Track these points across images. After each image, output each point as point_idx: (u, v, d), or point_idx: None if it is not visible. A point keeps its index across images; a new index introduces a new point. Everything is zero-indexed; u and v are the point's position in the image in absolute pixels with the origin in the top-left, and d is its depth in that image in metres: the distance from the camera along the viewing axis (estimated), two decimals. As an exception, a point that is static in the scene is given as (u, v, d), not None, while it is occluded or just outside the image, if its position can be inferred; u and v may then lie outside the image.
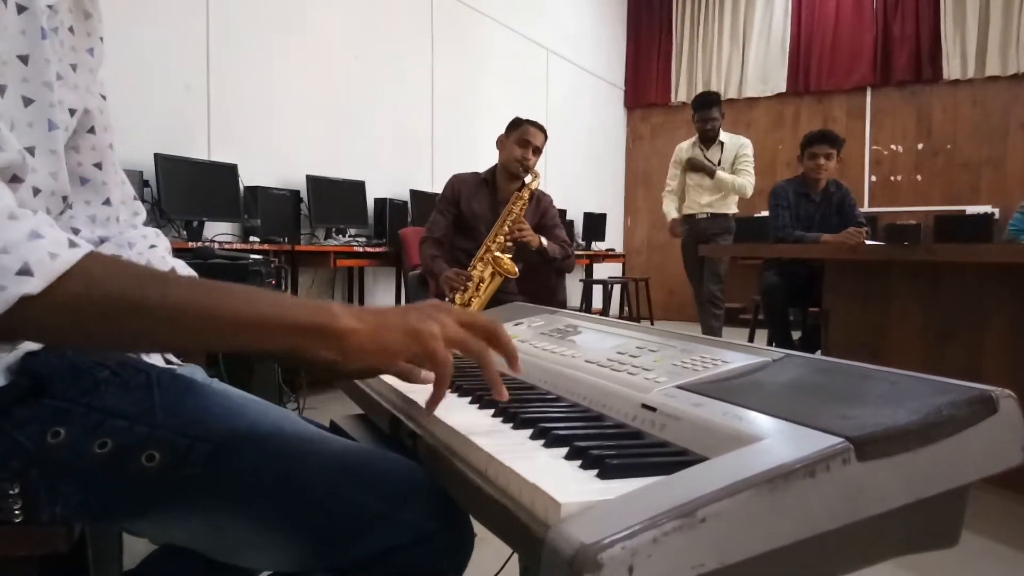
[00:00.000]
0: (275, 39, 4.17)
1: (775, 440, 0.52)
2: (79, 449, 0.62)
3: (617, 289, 7.05)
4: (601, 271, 7.43)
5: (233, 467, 0.65)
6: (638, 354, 0.83)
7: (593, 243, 7.18)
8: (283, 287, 3.62)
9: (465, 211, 2.96)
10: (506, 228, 2.71)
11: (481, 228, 2.86)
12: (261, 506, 0.65)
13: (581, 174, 7.33)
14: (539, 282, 2.87)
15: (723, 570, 0.46)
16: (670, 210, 4.89)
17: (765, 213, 4.61)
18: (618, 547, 0.43)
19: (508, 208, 2.75)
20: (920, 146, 6.92)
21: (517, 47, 6.43)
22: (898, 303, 2.82)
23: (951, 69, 6.62)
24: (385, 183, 4.87)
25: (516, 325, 1.14)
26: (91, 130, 0.82)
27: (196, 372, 0.88)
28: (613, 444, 0.60)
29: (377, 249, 4.49)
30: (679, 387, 0.68)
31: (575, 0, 7.44)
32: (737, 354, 0.76)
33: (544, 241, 2.81)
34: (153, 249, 0.89)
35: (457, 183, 3.02)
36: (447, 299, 2.72)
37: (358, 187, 4.60)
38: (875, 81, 7.03)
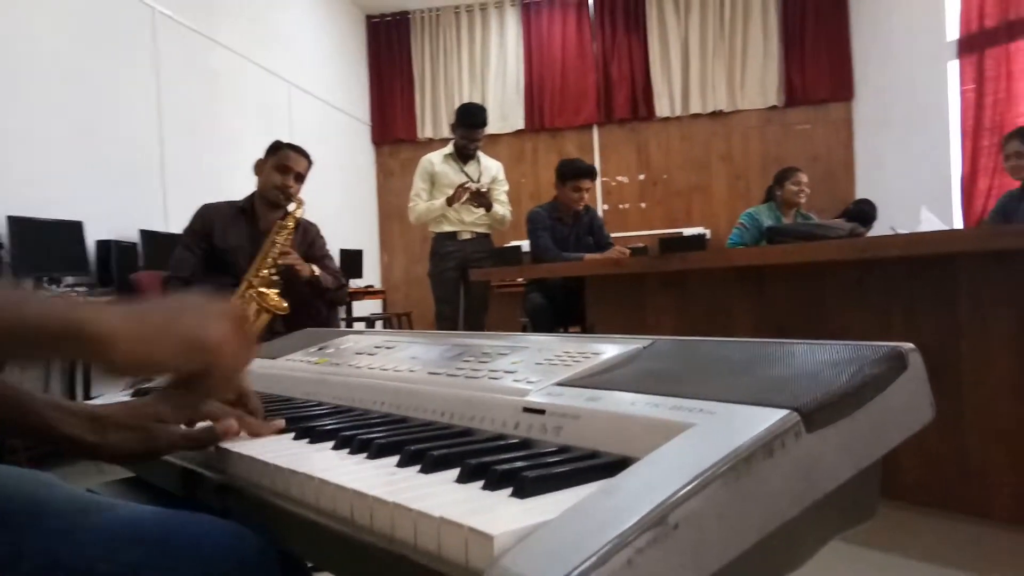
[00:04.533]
0: (-46, 54, 3.46)
1: (711, 424, 0.45)
2: None
3: (380, 325, 6.89)
4: (361, 308, 7.20)
5: None
6: (487, 359, 0.72)
7: (351, 280, 6.94)
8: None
9: (219, 244, 2.63)
10: (270, 260, 2.45)
11: (240, 262, 2.55)
12: None
13: (334, 210, 7.07)
14: (311, 316, 2.63)
15: (703, 585, 0.37)
16: (432, 205, 4.20)
17: (522, 241, 4.75)
18: (593, 580, 0.32)
19: (271, 239, 2.49)
20: (642, 177, 7.70)
21: (254, 78, 6.05)
22: (654, 311, 3.04)
23: (662, 107, 7.48)
24: (108, 223, 4.24)
25: (320, 349, 0.97)
26: None
27: None
28: (510, 457, 0.49)
29: (102, 298, 3.88)
30: (560, 384, 0.59)
31: (315, 32, 7.23)
32: (603, 345, 0.68)
33: (316, 270, 2.59)
34: None
35: (209, 214, 2.68)
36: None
37: (74, 228, 3.96)
38: (600, 119, 7.72)
